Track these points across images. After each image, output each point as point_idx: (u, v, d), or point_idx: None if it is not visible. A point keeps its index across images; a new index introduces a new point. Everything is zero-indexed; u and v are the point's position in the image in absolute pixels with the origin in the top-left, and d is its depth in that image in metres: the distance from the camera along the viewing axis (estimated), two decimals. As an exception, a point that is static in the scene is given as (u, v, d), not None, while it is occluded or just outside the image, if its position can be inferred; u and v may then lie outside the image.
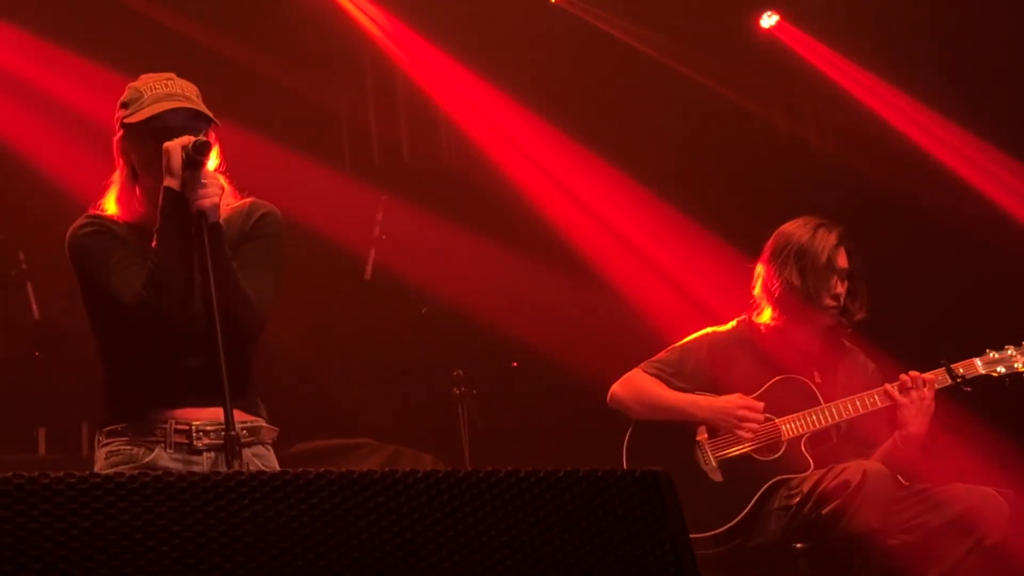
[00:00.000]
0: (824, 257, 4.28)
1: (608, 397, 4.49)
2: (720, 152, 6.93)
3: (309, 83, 6.88)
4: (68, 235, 3.12)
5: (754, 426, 4.22)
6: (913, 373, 4.17)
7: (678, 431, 4.32)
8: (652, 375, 4.42)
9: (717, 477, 4.23)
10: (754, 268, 4.47)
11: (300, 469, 1.87)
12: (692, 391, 4.35)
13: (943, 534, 4.02)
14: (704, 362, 4.39)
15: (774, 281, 4.34)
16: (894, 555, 4.01)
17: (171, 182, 2.95)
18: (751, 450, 4.24)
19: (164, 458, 3.02)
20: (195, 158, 2.92)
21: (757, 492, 4.14)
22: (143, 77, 3.13)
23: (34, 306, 6.13)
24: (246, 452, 3.00)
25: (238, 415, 2.88)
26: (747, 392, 4.30)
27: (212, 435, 3.04)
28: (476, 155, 7.04)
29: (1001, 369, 4.19)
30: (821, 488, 3.99)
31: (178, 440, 3.03)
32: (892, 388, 4.17)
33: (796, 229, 4.37)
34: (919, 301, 6.19)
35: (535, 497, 1.99)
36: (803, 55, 6.92)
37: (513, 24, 6.92)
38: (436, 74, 7.02)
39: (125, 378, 3.11)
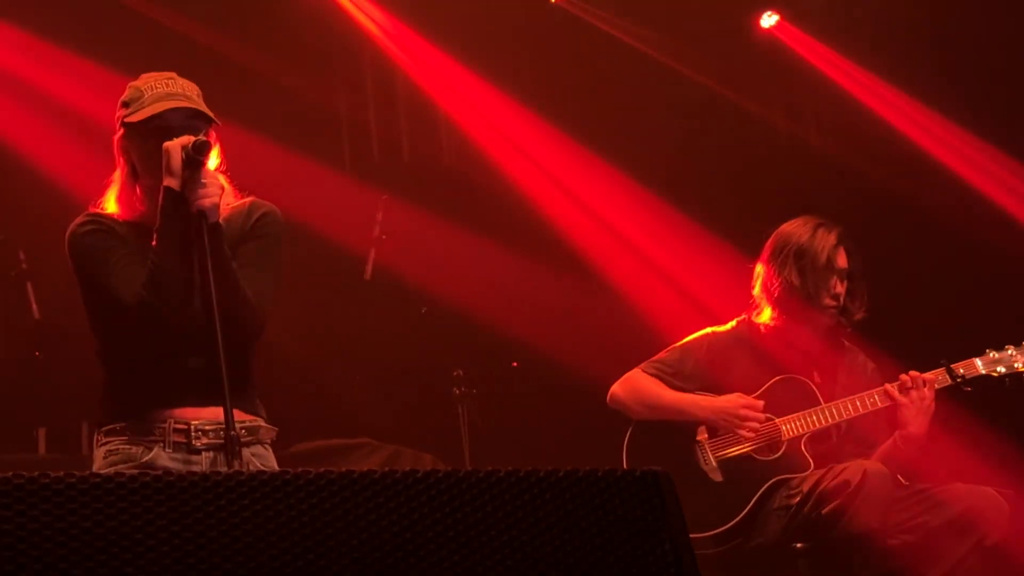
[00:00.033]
0: (824, 257, 4.28)
1: (608, 397, 4.49)
2: (720, 152, 6.92)
3: (309, 83, 6.88)
4: (68, 233, 3.12)
5: (755, 425, 4.22)
6: (913, 373, 4.17)
7: (678, 431, 4.32)
8: (652, 375, 4.42)
9: (717, 477, 4.23)
10: (754, 268, 4.47)
11: (300, 469, 1.87)
12: (692, 391, 4.35)
13: (943, 534, 4.02)
14: (704, 362, 4.39)
15: (774, 281, 4.34)
16: (894, 555, 4.01)
17: (171, 182, 2.95)
18: (751, 450, 4.24)
19: (163, 457, 3.02)
20: (195, 158, 2.93)
21: (757, 492, 4.14)
22: (144, 76, 3.13)
23: (34, 306, 6.13)
24: (245, 452, 3.00)
25: (237, 415, 2.87)
26: (747, 392, 4.30)
27: (211, 435, 3.04)
28: (476, 155, 7.04)
29: (1001, 369, 4.19)
30: (821, 488, 3.99)
31: (177, 440, 3.03)
32: (892, 388, 4.17)
33: (796, 229, 4.37)
34: (919, 301, 6.18)
35: (535, 497, 1.99)
36: (803, 55, 6.91)
37: (513, 24, 6.92)
38: (436, 74, 7.02)
39: (124, 377, 3.11)
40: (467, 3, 6.74)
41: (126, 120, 3.07)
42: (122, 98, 3.13)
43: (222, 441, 2.97)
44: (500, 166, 7.02)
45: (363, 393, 6.73)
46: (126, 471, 2.13)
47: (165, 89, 3.06)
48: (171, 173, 2.95)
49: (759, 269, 4.44)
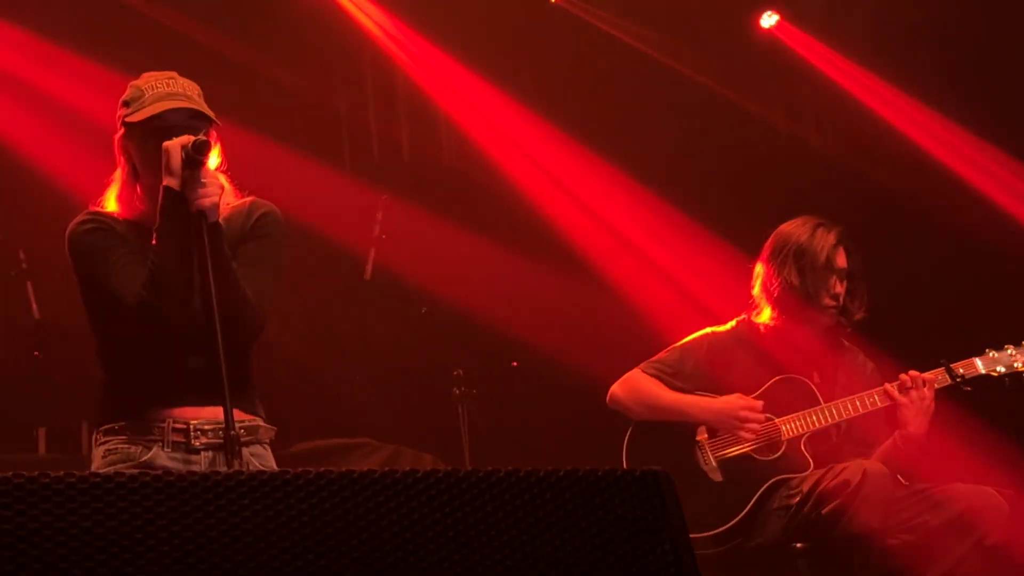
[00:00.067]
0: (823, 257, 4.27)
1: (608, 397, 4.49)
2: (720, 152, 6.93)
3: (309, 83, 6.88)
4: (68, 231, 3.12)
5: (755, 427, 4.22)
6: (913, 373, 4.17)
7: (678, 431, 4.32)
8: (651, 375, 4.42)
9: (717, 477, 4.23)
10: (753, 268, 4.47)
11: (300, 469, 1.87)
12: (692, 391, 4.35)
13: (943, 534, 4.02)
14: (703, 362, 4.39)
15: (773, 281, 4.34)
16: (894, 555, 4.00)
17: (171, 181, 2.95)
18: (751, 450, 4.24)
19: (162, 457, 3.02)
20: (195, 157, 2.93)
21: (757, 492, 4.14)
22: (145, 75, 3.13)
23: (34, 306, 6.14)
24: (244, 452, 3.00)
25: (236, 414, 2.87)
26: (746, 392, 4.30)
27: (210, 434, 3.04)
28: (476, 155, 7.04)
29: (1001, 369, 4.19)
30: (821, 488, 3.99)
31: (176, 439, 3.03)
32: (892, 388, 4.17)
33: (795, 229, 4.37)
34: (919, 301, 6.18)
35: (535, 497, 1.99)
36: (803, 55, 6.92)
37: (513, 24, 6.92)
38: (436, 74, 7.02)
39: (123, 376, 3.11)
40: (467, 3, 6.74)
41: (126, 120, 3.07)
42: (123, 97, 3.13)
43: (221, 441, 2.97)
44: (500, 166, 7.02)
45: (363, 393, 6.73)
46: (125, 471, 2.13)
47: (166, 89, 3.06)
48: (171, 173, 2.95)
49: (759, 269, 4.44)
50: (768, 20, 6.90)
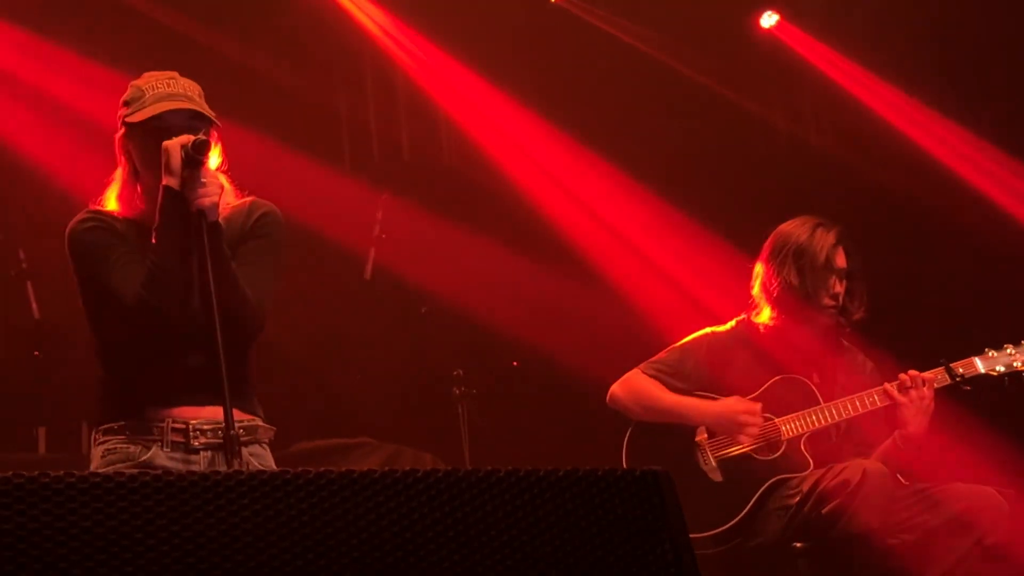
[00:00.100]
0: (822, 256, 4.27)
1: (608, 397, 4.49)
2: (720, 152, 6.93)
3: (309, 83, 6.88)
4: (68, 229, 3.12)
5: (754, 430, 4.22)
6: (912, 372, 4.17)
7: (677, 431, 4.31)
8: (651, 376, 4.41)
9: (717, 477, 4.23)
10: (753, 267, 4.47)
11: (300, 468, 1.87)
12: (691, 391, 4.35)
13: (942, 533, 4.01)
14: (703, 362, 4.39)
15: (773, 280, 4.34)
16: (894, 554, 4.00)
17: (170, 181, 2.95)
18: (750, 450, 4.24)
19: (161, 457, 3.02)
20: (194, 157, 2.93)
21: (757, 492, 4.14)
22: (146, 75, 3.13)
23: (34, 305, 6.14)
24: (243, 451, 2.99)
25: (236, 414, 2.86)
26: (746, 392, 4.30)
27: (209, 434, 3.04)
28: (476, 154, 7.04)
29: (1000, 368, 4.19)
30: (821, 487, 3.99)
31: (175, 439, 3.03)
32: (891, 387, 4.17)
33: (795, 228, 4.37)
34: (918, 301, 6.19)
35: (535, 497, 1.99)
36: (803, 55, 6.92)
37: (513, 24, 6.92)
38: (436, 74, 7.02)
39: (122, 376, 3.11)
40: (467, 3, 6.74)
41: (126, 120, 3.08)
42: (124, 97, 3.13)
43: (220, 441, 2.97)
44: (500, 165, 7.02)
45: (363, 393, 6.73)
46: (125, 470, 2.13)
47: (166, 89, 3.07)
48: (170, 172, 2.95)
49: (758, 268, 4.44)
50: (768, 20, 6.90)
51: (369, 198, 6.70)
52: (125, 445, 3.04)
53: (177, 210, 2.95)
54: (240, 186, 3.24)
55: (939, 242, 6.30)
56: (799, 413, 4.24)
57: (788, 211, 4.54)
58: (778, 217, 4.51)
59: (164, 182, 2.95)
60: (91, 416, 3.23)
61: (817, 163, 6.90)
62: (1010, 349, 4.21)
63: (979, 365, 4.20)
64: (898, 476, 4.13)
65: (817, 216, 4.43)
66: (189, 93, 3.09)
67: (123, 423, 3.05)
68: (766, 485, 4.14)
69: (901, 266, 6.10)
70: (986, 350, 4.22)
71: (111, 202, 3.16)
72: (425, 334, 6.68)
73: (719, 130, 6.95)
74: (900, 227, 6.39)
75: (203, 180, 2.95)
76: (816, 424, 4.22)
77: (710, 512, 4.13)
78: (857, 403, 4.20)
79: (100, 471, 2.07)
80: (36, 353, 6.11)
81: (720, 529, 4.12)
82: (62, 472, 1.73)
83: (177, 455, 3.03)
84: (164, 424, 3.03)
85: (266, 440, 3.17)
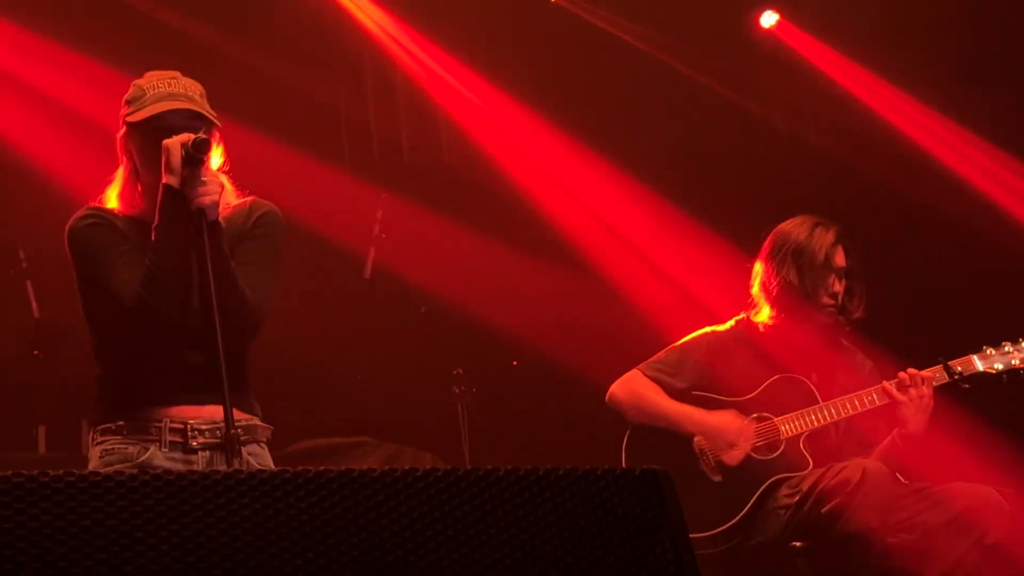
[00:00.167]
0: (822, 255, 4.27)
1: (607, 397, 4.48)
2: (720, 152, 6.93)
3: (309, 81, 6.88)
4: (68, 226, 3.12)
5: (740, 454, 4.21)
6: (911, 371, 4.17)
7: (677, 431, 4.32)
8: (651, 377, 4.41)
9: (716, 477, 4.23)
10: (752, 267, 4.47)
11: (299, 468, 1.87)
12: (691, 391, 4.35)
13: (942, 532, 4.01)
14: (703, 362, 4.39)
15: (772, 279, 4.34)
16: (893, 554, 4.00)
17: (170, 179, 2.95)
18: (750, 449, 4.24)
19: (159, 456, 3.02)
20: (194, 156, 2.93)
21: (756, 491, 4.14)
22: (148, 75, 3.13)
23: (34, 304, 6.14)
24: (242, 451, 2.99)
25: (234, 414, 2.86)
26: (745, 391, 4.30)
27: (207, 434, 3.03)
28: (476, 154, 7.04)
29: (999, 366, 4.19)
30: (820, 487, 3.99)
31: (173, 439, 3.03)
32: (890, 386, 4.16)
33: (794, 227, 4.37)
34: (917, 299, 6.19)
35: (534, 496, 1.99)
36: (803, 54, 6.92)
37: (513, 23, 6.93)
38: (436, 73, 7.02)
39: (121, 375, 3.11)
40: (467, 2, 6.74)
41: (127, 119, 3.08)
42: (125, 96, 3.14)
43: (218, 441, 2.98)
44: (500, 165, 7.02)
45: (363, 393, 6.73)
46: (125, 470, 2.13)
47: (167, 89, 3.07)
48: (170, 171, 2.95)
49: (758, 268, 4.43)
50: (768, 19, 6.90)
51: (369, 198, 6.70)
52: (123, 446, 3.03)
53: (177, 208, 2.95)
54: (240, 186, 3.25)
55: (938, 241, 6.30)
56: (798, 412, 4.24)
57: (788, 211, 4.54)
58: (778, 216, 4.51)
59: (164, 180, 2.96)
60: (89, 415, 3.23)
61: (817, 163, 6.90)
62: (1008, 347, 4.21)
63: (977, 363, 4.20)
64: (897, 475, 4.12)
65: (816, 215, 4.43)
66: (190, 93, 3.09)
67: (121, 423, 3.05)
68: (766, 485, 4.14)
69: (900, 265, 6.10)
70: (984, 348, 4.22)
71: (112, 200, 3.17)
72: (425, 334, 6.68)
73: (719, 130, 6.95)
74: (899, 226, 6.39)
75: (203, 179, 2.95)
76: (815, 423, 4.21)
77: (710, 512, 4.13)
78: (856, 402, 4.20)
79: (100, 470, 2.07)
80: (36, 352, 6.10)
81: (720, 529, 4.12)
82: (62, 471, 1.73)
83: (175, 455, 3.03)
84: (162, 424, 3.03)
85: (264, 439, 3.17)
